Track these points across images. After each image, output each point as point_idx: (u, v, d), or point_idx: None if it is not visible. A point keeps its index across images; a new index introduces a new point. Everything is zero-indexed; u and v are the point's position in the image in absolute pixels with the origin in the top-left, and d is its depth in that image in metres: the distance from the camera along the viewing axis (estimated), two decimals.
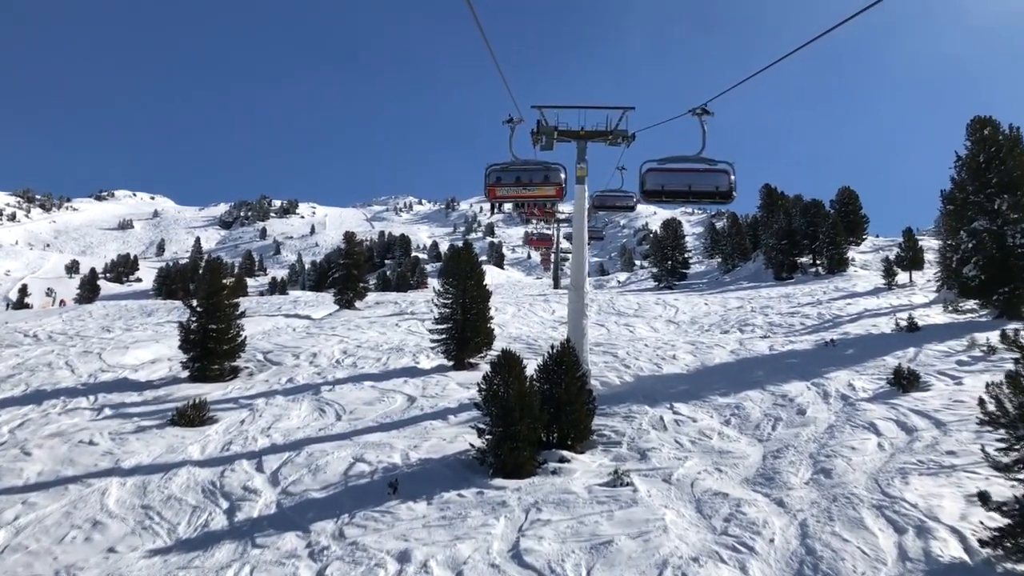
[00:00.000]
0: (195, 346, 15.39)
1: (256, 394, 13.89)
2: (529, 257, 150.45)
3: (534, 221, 49.28)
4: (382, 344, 19.32)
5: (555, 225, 47.97)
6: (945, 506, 6.56)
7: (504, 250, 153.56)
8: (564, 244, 49.74)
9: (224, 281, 16.97)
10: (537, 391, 9.31)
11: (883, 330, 17.00)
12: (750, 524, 6.63)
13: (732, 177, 11.09)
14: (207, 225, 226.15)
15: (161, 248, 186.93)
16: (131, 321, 27.37)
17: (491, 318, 17.12)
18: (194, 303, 15.97)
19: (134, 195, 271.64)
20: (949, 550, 5.80)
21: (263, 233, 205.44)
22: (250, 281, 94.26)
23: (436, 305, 16.58)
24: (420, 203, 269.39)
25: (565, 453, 9.16)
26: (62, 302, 67.28)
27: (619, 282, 56.76)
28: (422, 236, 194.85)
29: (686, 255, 46.60)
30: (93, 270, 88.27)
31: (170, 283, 78.79)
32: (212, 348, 15.47)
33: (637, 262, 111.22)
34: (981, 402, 6.01)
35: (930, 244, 35.11)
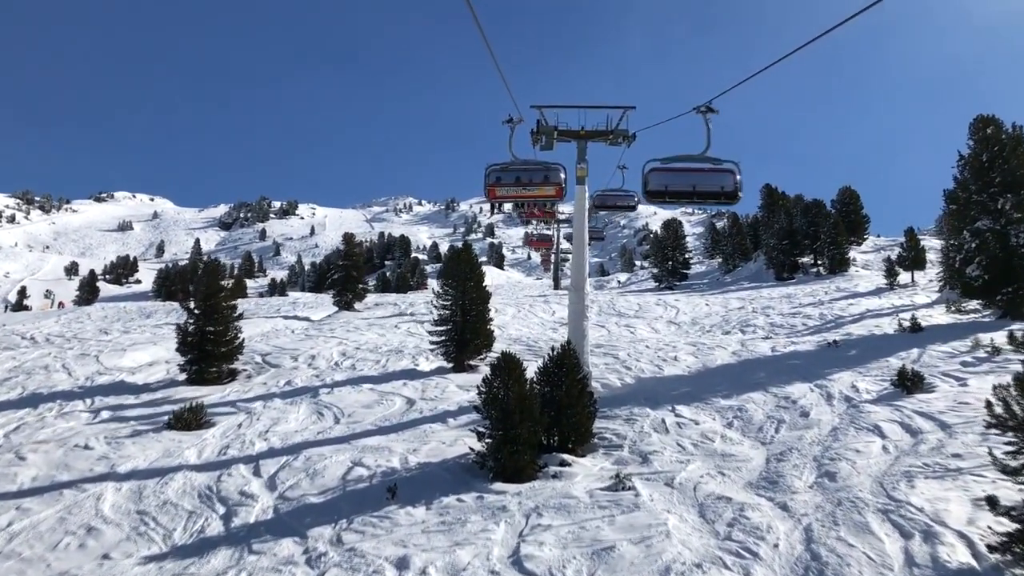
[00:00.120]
0: (193, 348, 15.29)
1: (254, 397, 13.79)
2: (529, 258, 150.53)
3: (534, 222, 49.17)
4: (381, 346, 19.22)
5: (555, 225, 47.88)
6: (952, 510, 6.45)
7: (504, 251, 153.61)
8: (564, 245, 49.65)
9: (222, 283, 16.86)
10: (537, 394, 9.20)
11: (886, 331, 16.89)
12: (754, 529, 6.53)
13: (738, 177, 10.87)
14: (207, 226, 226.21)
15: (161, 249, 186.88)
16: (129, 323, 27.30)
17: (491, 319, 17.00)
18: (191, 305, 15.87)
19: (133, 196, 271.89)
20: (957, 555, 5.70)
21: (263, 234, 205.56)
22: (250, 282, 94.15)
23: (435, 306, 16.48)
24: (420, 204, 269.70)
25: (566, 457, 9.05)
26: (60, 304, 67.22)
27: (619, 282, 56.59)
28: (422, 237, 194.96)
29: (687, 255, 46.45)
30: (92, 272, 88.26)
31: (169, 284, 78.58)
32: (210, 351, 15.37)
33: (637, 262, 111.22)
34: (988, 405, 5.90)
35: (931, 244, 35.04)
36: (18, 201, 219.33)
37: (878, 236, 46.51)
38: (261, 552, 6.86)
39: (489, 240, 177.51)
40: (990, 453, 5.92)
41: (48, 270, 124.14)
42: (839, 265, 33.60)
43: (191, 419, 11.53)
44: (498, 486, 8.16)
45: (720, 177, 10.93)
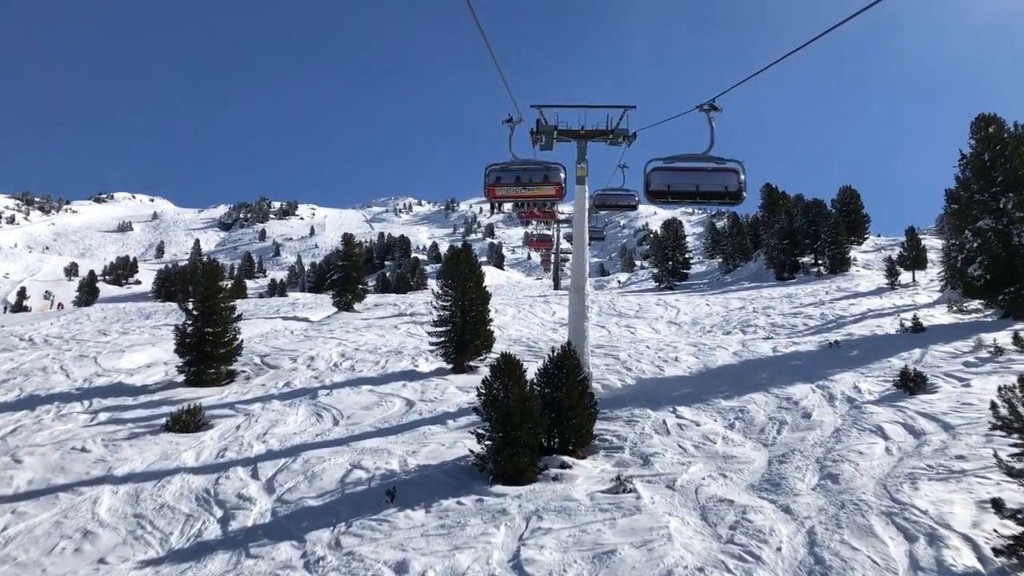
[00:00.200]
0: (191, 350, 15.23)
1: (252, 399, 13.73)
2: (529, 258, 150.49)
3: (534, 222, 49.10)
4: (381, 347, 19.16)
5: (555, 226, 47.79)
6: (956, 513, 6.38)
7: (504, 251, 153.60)
8: (564, 245, 49.57)
9: (221, 283, 16.80)
10: (538, 395, 9.14)
11: (887, 331, 16.81)
12: (756, 532, 6.46)
13: (742, 177, 10.72)
14: (206, 227, 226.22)
15: (160, 250, 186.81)
16: (128, 324, 27.24)
17: (491, 320, 16.94)
18: (190, 306, 15.81)
19: (133, 197, 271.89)
20: (962, 559, 5.63)
21: (262, 235, 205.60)
22: (249, 283, 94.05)
23: (435, 307, 16.41)
24: (420, 204, 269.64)
25: (566, 459, 8.99)
26: (60, 305, 67.19)
27: (620, 282, 56.49)
28: (422, 237, 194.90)
29: (687, 255, 46.37)
30: (92, 272, 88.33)
31: (169, 285, 78.59)
32: (208, 352, 15.31)
33: (637, 262, 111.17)
34: (993, 406, 5.84)
35: (932, 243, 34.98)
36: (18, 202, 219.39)
37: (879, 236, 46.45)
38: (259, 556, 6.79)
39: (489, 240, 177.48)
40: (995, 455, 5.86)
41: (48, 271, 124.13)
42: (840, 265, 33.55)
43: (189, 421, 11.46)
44: (498, 489, 8.09)
45: (724, 177, 10.78)
